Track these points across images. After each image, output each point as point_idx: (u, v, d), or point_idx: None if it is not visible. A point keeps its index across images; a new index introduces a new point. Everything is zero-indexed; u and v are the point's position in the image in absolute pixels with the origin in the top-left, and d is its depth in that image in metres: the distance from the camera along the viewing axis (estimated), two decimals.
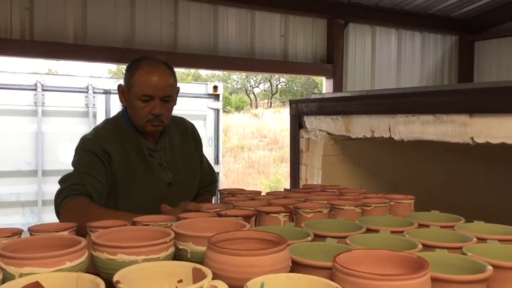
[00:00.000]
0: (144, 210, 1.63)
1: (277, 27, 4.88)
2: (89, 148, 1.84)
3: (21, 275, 0.95)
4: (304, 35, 5.03)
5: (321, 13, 5.02)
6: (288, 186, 3.02)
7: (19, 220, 5.37)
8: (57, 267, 0.98)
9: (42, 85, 5.40)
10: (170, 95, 1.88)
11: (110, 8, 3.97)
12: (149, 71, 1.84)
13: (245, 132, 17.52)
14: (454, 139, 2.04)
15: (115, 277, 0.89)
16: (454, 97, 2.04)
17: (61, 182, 1.82)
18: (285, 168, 14.13)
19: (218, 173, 6.57)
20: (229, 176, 13.29)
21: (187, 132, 2.14)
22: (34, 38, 3.70)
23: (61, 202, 1.72)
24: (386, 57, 5.60)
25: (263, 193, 1.98)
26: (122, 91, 1.92)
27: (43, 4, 3.73)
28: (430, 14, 5.73)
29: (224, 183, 10.09)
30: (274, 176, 13.28)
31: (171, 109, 1.93)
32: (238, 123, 18.43)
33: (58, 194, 1.76)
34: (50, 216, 5.49)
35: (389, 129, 2.29)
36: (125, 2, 4.05)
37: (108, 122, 2.06)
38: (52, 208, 5.54)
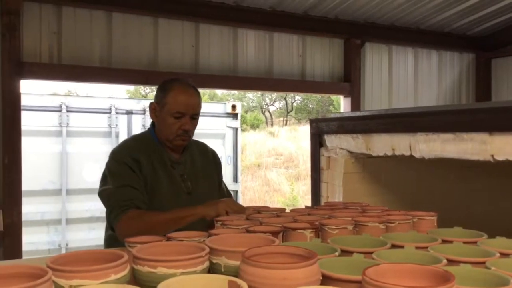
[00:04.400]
0: None
1: (295, 48, 4.97)
2: (120, 159, 2.01)
3: (70, 287, 1.02)
4: (321, 54, 5.11)
5: (337, 34, 5.10)
6: (304, 204, 3.05)
7: (44, 238, 5.47)
8: (103, 279, 1.03)
9: (67, 106, 5.57)
10: (198, 113, 2.11)
11: (134, 32, 4.11)
12: (182, 92, 2.06)
13: (261, 150, 17.55)
14: (475, 156, 2.08)
15: None
16: (473, 116, 2.08)
17: (104, 199, 1.98)
18: (302, 186, 14.10)
19: (236, 191, 6.64)
20: (246, 194, 13.30)
21: (207, 153, 2.33)
22: (62, 62, 3.84)
23: (114, 220, 1.89)
24: (403, 76, 5.64)
25: (287, 211, 2.05)
26: (154, 109, 2.11)
27: (71, 29, 3.87)
28: (446, 32, 5.77)
29: (241, 201, 10.12)
30: (290, 194, 13.27)
31: (196, 125, 2.14)
32: (254, 141, 18.49)
33: (110, 213, 1.93)
34: (73, 234, 5.59)
35: (410, 147, 2.33)
36: (148, 27, 4.18)
37: (135, 136, 2.30)
38: (75, 226, 5.66)
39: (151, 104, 2.13)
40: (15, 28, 3.55)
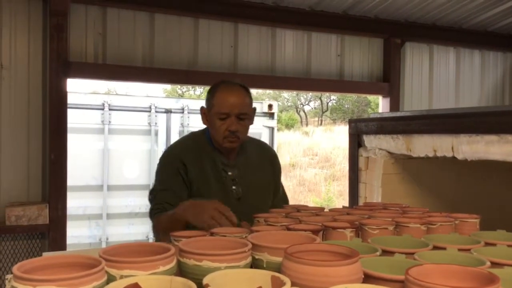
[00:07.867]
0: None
1: (333, 47, 4.96)
2: (169, 162, 2.06)
3: (121, 277, 1.06)
4: (360, 54, 5.07)
5: (377, 33, 5.05)
6: (339, 205, 3.04)
7: (85, 232, 5.64)
8: (152, 270, 1.08)
9: (109, 105, 5.72)
10: (245, 113, 2.03)
11: (175, 33, 4.20)
12: (226, 92, 2.03)
13: (295, 150, 17.52)
14: None
15: (205, 281, 0.98)
16: None
17: (149, 199, 2.08)
18: (337, 187, 14.00)
19: None
20: None
21: (265, 157, 2.26)
22: (106, 62, 3.97)
23: (152, 221, 2.01)
24: (444, 76, 5.52)
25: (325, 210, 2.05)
26: (204, 113, 2.10)
27: (115, 30, 4.00)
28: (489, 32, 5.61)
29: None
30: (325, 194, 13.20)
31: (246, 126, 2.07)
32: (288, 141, 18.46)
33: (150, 214, 2.03)
34: (113, 229, 5.75)
35: (452, 148, 2.29)
36: (189, 28, 4.26)
37: (193, 134, 2.25)
38: (115, 221, 5.84)
39: (201, 108, 2.12)
40: (62, 29, 3.69)
